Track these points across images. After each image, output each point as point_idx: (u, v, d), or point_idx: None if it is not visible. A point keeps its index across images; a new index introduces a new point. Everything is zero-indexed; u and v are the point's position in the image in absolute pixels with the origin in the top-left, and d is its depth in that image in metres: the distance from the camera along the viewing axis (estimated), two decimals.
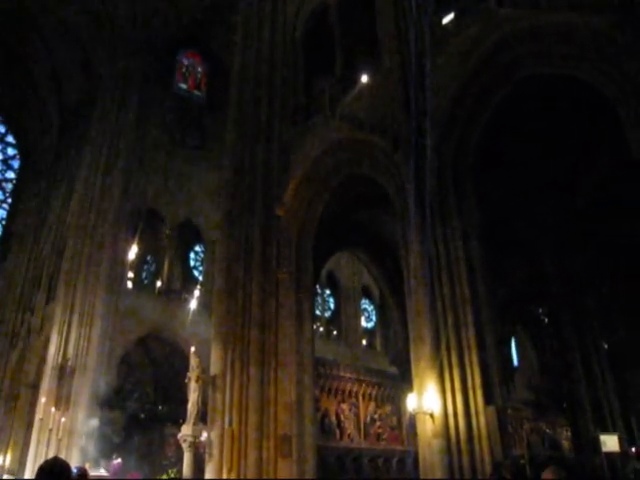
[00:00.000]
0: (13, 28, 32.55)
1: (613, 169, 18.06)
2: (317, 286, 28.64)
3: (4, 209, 36.58)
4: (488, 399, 10.84)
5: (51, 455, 19.35)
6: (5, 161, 37.87)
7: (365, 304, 38.10)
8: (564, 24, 10.97)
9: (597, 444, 17.82)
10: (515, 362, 28.34)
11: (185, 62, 34.23)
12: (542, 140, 16.97)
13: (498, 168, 16.68)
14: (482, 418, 10.68)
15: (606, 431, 18.71)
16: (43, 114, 36.22)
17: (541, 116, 15.32)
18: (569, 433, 20.80)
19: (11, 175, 37.73)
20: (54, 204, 32.07)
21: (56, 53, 33.20)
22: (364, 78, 15.84)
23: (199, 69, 34.73)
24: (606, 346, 22.07)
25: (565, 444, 20.88)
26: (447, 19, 13.81)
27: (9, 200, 36.94)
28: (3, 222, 36.13)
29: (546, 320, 23.09)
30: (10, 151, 38.27)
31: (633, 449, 19.86)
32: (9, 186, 37.43)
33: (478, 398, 10.82)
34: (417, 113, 13.13)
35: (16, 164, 38.13)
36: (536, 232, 20.39)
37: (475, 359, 11.07)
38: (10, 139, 38.41)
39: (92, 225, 25.35)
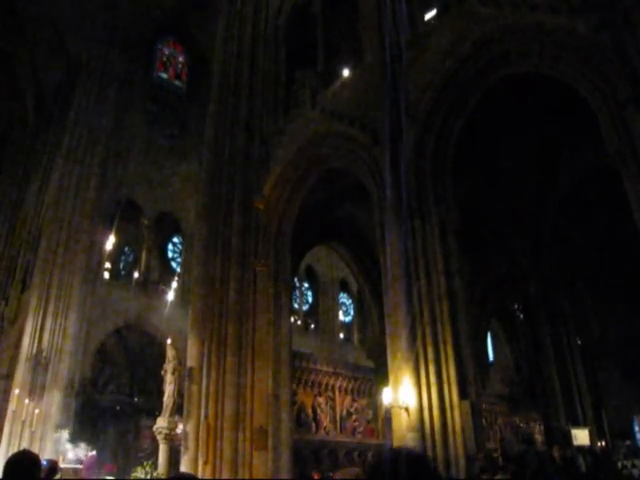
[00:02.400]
0: None
1: (590, 169, 18.30)
2: (295, 279, 28.71)
3: None
4: (463, 393, 10.94)
5: (24, 447, 19.20)
6: None
7: (343, 298, 38.20)
8: (544, 24, 11.05)
9: (569, 438, 18.20)
10: (490, 357, 28.71)
11: (166, 51, 33.89)
12: (521, 138, 17.11)
13: (477, 165, 16.82)
14: (457, 412, 10.77)
15: (577, 425, 19.09)
16: (20, 101, 35.61)
17: (521, 114, 15.44)
18: (542, 427, 21.14)
19: None
20: (30, 192, 31.59)
21: (34, 40, 32.60)
22: (345, 72, 15.86)
23: (180, 59, 34.42)
24: (579, 342, 22.44)
25: (538, 438, 21.20)
26: (429, 15, 13.86)
27: None
28: None
29: (521, 316, 23.39)
30: None
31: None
32: None
33: (453, 392, 10.91)
34: (397, 108, 13.17)
35: None
36: (513, 229, 20.62)
37: (450, 354, 11.15)
38: None
39: (69, 214, 25.03)
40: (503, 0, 11.80)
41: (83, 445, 20.12)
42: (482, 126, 13.99)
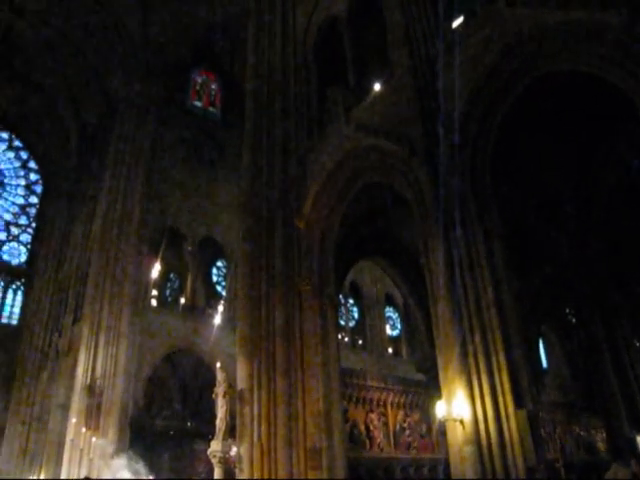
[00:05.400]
0: (31, 57, 33.29)
1: (637, 165, 17.80)
2: (340, 296, 28.63)
3: (28, 233, 37.20)
4: (518, 403, 10.67)
5: (83, 475, 19.54)
6: (28, 186, 38.60)
7: (389, 312, 37.97)
8: (575, 21, 10.87)
9: (634, 445, 17.48)
10: (544, 363, 27.95)
11: (199, 80, 34.64)
12: (561, 137, 16.80)
13: (517, 167, 16.55)
14: (513, 422, 10.49)
15: None
16: (63, 139, 36.86)
17: (559, 113, 15.17)
18: (604, 435, 20.36)
19: (34, 200, 38.44)
20: (77, 226, 32.54)
21: (73, 80, 33.86)
22: (377, 86, 15.86)
23: (213, 86, 35.14)
24: (638, 343, 21.65)
25: (600, 446, 20.43)
26: (457, 23, 13.77)
27: (33, 224, 37.59)
28: (28, 246, 36.73)
29: (574, 319, 22.71)
30: (33, 177, 39.02)
31: None
32: (33, 211, 38.11)
33: (508, 402, 10.65)
34: (431, 118, 13.10)
35: (39, 189, 38.86)
36: (559, 230, 20.14)
37: (503, 362, 10.91)
38: (32, 165, 39.17)
39: (115, 245, 25.65)
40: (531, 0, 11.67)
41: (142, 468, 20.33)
42: (520, 128, 13.79)
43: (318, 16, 19.12)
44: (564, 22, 11.16)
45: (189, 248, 29.02)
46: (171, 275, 29.68)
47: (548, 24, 11.54)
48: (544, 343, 27.48)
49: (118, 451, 21.23)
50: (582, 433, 20.62)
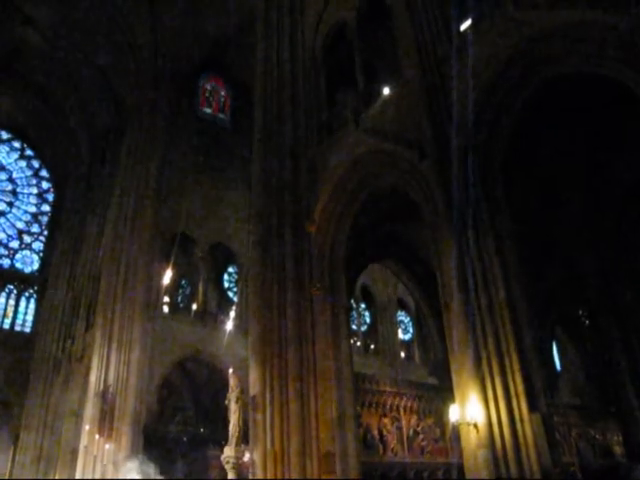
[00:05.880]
0: (42, 67, 33.63)
1: None
2: (352, 300, 28.59)
3: (41, 241, 37.48)
4: (532, 406, 10.59)
5: None
6: (40, 195, 38.91)
7: (401, 316, 37.89)
8: (584, 23, 10.82)
9: None
10: (558, 366, 27.77)
11: (208, 86, 34.78)
12: (574, 139, 16.73)
13: (528, 168, 16.49)
14: (527, 426, 10.41)
15: None
16: (74, 146, 37.12)
17: (570, 114, 15.11)
18: (620, 438, 20.15)
19: (46, 208, 38.73)
20: (89, 233, 32.70)
21: (83, 87, 34.14)
22: (386, 90, 15.85)
23: (222, 92, 35.26)
24: None
25: (617, 449, 20.21)
26: (465, 25, 13.74)
27: (45, 232, 37.86)
28: (41, 254, 36.99)
29: (587, 322, 22.54)
30: (45, 185, 39.32)
31: None
32: (45, 219, 38.40)
33: (522, 405, 10.57)
34: (441, 121, 13.08)
35: (51, 197, 39.15)
36: (571, 231, 20.01)
37: (516, 366, 10.84)
38: (44, 173, 39.50)
39: (126, 252, 25.75)
40: (539, 1, 11.63)
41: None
42: (532, 128, 13.74)
43: (327, 21, 19.16)
44: (573, 23, 11.11)
45: (200, 254, 29.09)
46: (183, 281, 29.79)
47: (556, 25, 11.49)
48: (557, 346, 27.34)
49: (131, 457, 21.27)
50: (597, 436, 20.42)
